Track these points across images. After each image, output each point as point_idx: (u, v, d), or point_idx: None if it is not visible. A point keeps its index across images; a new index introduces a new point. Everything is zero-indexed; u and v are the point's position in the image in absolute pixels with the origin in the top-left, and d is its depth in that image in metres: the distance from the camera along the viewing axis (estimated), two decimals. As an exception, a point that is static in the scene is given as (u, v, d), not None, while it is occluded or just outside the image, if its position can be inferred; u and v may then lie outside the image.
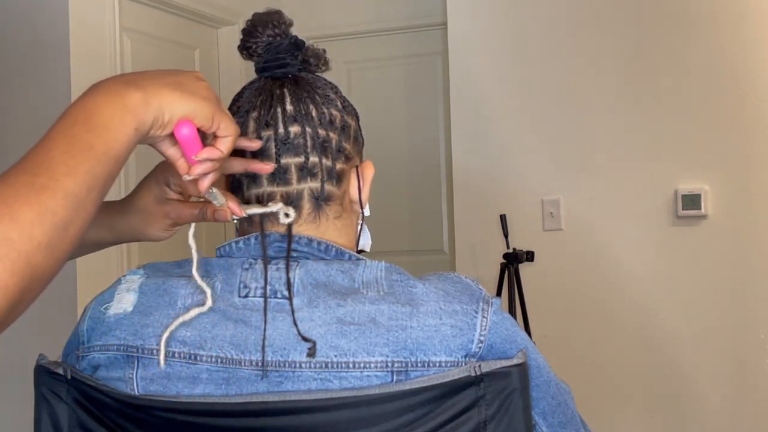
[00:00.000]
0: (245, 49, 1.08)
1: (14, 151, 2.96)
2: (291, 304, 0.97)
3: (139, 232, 1.16)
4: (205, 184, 0.95)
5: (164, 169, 1.14)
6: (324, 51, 1.10)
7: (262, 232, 1.03)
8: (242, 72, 3.78)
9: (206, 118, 0.88)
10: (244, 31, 1.08)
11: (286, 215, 1.02)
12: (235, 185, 1.07)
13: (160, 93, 0.84)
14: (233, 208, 1.01)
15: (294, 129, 1.04)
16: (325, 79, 1.10)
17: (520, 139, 3.33)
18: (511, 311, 2.88)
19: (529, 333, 2.86)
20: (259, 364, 0.96)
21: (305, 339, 0.95)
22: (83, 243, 1.13)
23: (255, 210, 1.02)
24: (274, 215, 1.03)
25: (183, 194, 1.15)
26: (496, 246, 3.14)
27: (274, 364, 0.96)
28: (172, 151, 0.92)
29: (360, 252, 1.12)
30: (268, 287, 0.99)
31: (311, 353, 0.95)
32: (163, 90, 0.84)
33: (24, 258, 0.70)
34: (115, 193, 3.00)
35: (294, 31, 1.09)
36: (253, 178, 1.04)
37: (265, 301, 0.98)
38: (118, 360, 1.00)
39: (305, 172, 1.04)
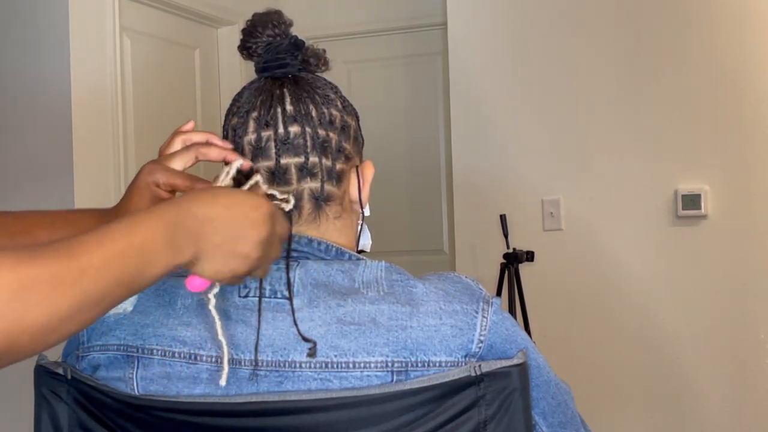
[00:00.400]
0: (245, 49, 1.08)
1: (15, 152, 2.96)
2: (291, 304, 0.97)
3: None
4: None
5: (150, 171, 1.12)
6: (324, 51, 1.10)
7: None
8: (242, 72, 3.78)
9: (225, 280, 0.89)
10: (244, 31, 1.08)
11: (286, 201, 1.00)
12: (236, 186, 1.06)
13: (206, 259, 0.85)
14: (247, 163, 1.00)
15: (294, 129, 1.04)
16: (325, 79, 1.10)
17: (520, 139, 3.33)
18: (511, 311, 2.88)
19: (529, 333, 2.85)
20: (260, 364, 0.96)
21: (305, 339, 0.95)
22: None
23: (257, 179, 0.99)
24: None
25: (174, 191, 1.15)
26: (496, 246, 3.14)
27: (274, 364, 0.96)
28: None
29: (360, 252, 1.12)
30: (269, 287, 0.99)
31: (312, 353, 0.95)
32: (213, 256, 0.85)
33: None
34: (111, 201, 3.00)
35: (294, 31, 1.09)
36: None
37: (260, 301, 0.98)
38: (118, 360, 1.00)
39: (305, 172, 1.04)
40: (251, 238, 0.88)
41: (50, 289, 0.73)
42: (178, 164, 1.06)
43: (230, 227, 0.86)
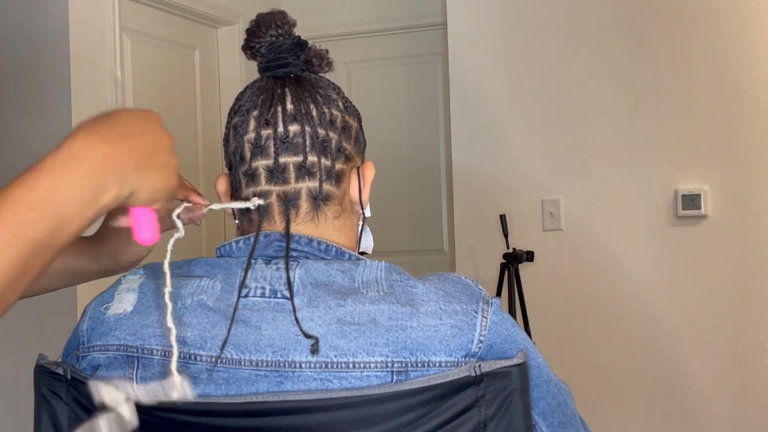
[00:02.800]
0: (249, 48, 1.08)
1: (14, 151, 2.96)
2: (292, 302, 0.97)
3: (123, 252, 1.17)
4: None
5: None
6: (327, 51, 1.10)
7: (258, 230, 1.03)
8: (242, 72, 3.78)
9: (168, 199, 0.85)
10: (248, 31, 1.08)
11: (257, 207, 1.03)
12: (235, 185, 1.07)
13: (140, 188, 0.80)
14: (197, 200, 1.05)
15: (293, 128, 1.04)
16: (327, 80, 1.10)
17: (520, 139, 3.33)
18: (511, 311, 2.88)
19: (529, 333, 2.86)
20: (260, 364, 0.96)
21: (307, 336, 0.95)
22: (68, 272, 1.14)
23: (223, 205, 1.05)
24: (265, 211, 1.04)
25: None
26: (496, 246, 3.14)
27: (274, 364, 0.96)
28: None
29: (362, 254, 1.12)
30: (268, 287, 0.99)
31: (314, 349, 0.94)
32: (144, 183, 0.80)
33: None
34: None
35: (295, 31, 1.09)
36: (252, 176, 1.05)
37: (238, 300, 0.98)
38: (118, 360, 1.00)
39: (303, 171, 1.04)
40: (164, 144, 0.85)
41: None
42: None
43: (145, 141, 0.82)
